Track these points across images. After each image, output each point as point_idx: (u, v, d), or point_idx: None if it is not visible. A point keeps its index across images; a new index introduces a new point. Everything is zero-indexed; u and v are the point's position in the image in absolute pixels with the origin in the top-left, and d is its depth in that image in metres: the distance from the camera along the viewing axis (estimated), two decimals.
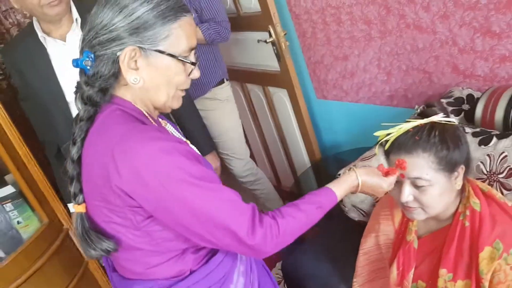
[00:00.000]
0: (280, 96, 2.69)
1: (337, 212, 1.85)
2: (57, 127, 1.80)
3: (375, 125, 2.38)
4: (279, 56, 2.42)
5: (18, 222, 1.89)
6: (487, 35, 1.68)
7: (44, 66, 1.73)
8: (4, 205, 1.88)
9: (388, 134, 1.22)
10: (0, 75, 2.36)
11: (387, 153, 1.24)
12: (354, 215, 1.78)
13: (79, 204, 1.03)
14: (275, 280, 1.36)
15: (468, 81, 1.83)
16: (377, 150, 1.29)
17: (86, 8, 1.73)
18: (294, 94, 2.51)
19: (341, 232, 1.85)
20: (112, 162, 0.92)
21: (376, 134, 1.26)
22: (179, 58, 1.01)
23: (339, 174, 1.77)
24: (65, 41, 1.72)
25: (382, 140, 1.24)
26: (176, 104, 1.09)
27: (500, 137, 1.43)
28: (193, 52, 1.05)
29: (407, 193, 1.18)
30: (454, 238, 1.18)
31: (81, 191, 1.03)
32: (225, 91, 2.47)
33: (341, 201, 1.80)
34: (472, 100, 1.69)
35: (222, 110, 2.47)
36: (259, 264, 1.30)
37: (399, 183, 1.19)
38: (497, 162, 1.40)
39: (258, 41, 2.46)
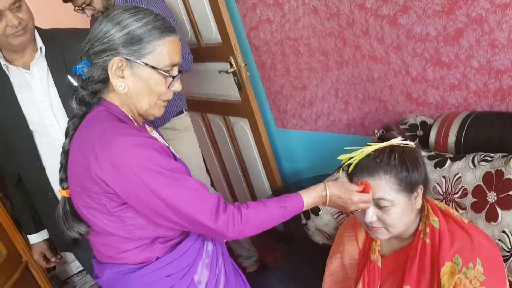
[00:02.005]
0: (241, 125, 2.73)
1: (302, 235, 1.88)
2: (18, 155, 1.76)
3: (334, 152, 2.45)
4: (240, 86, 2.48)
5: None
6: (437, 65, 1.79)
7: (6, 95, 1.70)
8: None
9: (351, 158, 1.28)
10: None
11: (350, 176, 1.29)
12: (318, 239, 1.82)
13: (64, 189, 1.21)
14: (244, 277, 1.47)
15: (421, 109, 1.93)
16: (340, 173, 1.34)
17: (50, 37, 1.74)
18: (255, 123, 2.56)
19: (306, 255, 1.88)
20: (93, 153, 1.07)
21: (339, 158, 1.31)
22: (159, 71, 1.15)
23: None
24: (28, 69, 1.70)
25: (345, 164, 1.30)
26: (158, 112, 1.23)
27: (453, 159, 1.51)
28: (175, 67, 1.19)
29: (371, 214, 1.23)
30: (416, 255, 1.23)
31: (67, 178, 1.20)
32: (184, 121, 2.49)
33: (305, 224, 1.83)
34: (425, 126, 1.79)
35: (182, 140, 2.48)
36: (228, 262, 1.40)
37: None
38: (452, 183, 1.47)
39: (219, 71, 2.51)
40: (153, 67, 1.14)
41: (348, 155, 1.28)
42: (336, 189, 1.23)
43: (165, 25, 1.16)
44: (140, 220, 1.16)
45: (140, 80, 1.15)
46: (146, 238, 1.18)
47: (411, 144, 1.27)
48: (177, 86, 1.21)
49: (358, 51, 2.04)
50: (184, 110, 2.48)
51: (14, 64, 1.71)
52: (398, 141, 1.25)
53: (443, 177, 1.50)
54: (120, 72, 1.13)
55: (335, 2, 2.01)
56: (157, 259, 1.20)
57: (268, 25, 2.39)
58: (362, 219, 1.26)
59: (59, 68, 1.73)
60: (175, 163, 1.13)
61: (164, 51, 1.15)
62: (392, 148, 1.24)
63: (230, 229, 1.11)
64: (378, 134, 1.32)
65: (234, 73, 2.45)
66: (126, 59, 1.12)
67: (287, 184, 2.79)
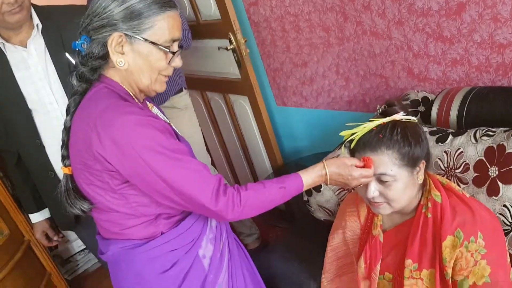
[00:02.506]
0: (241, 103, 2.72)
1: (303, 213, 1.88)
2: (18, 134, 1.76)
3: (335, 130, 2.45)
4: (239, 63, 2.46)
5: None
6: (439, 40, 1.77)
7: (3, 74, 1.69)
8: None
9: (353, 134, 1.27)
10: None
11: (353, 152, 1.29)
12: (320, 215, 1.82)
13: (66, 167, 1.21)
14: (247, 253, 1.49)
15: (422, 84, 1.92)
16: (343, 149, 1.34)
17: (46, 14, 1.72)
18: (255, 101, 2.55)
19: (307, 232, 1.89)
20: (95, 131, 1.06)
21: (341, 134, 1.30)
22: (159, 46, 1.13)
23: None
24: (26, 47, 1.69)
25: (347, 140, 1.29)
26: (159, 88, 1.22)
27: (455, 134, 1.51)
28: (176, 43, 1.17)
29: (373, 189, 1.23)
30: (417, 230, 1.23)
31: (68, 156, 1.20)
32: (184, 99, 2.46)
33: (307, 201, 1.84)
34: (427, 102, 1.78)
35: (181, 118, 2.47)
36: (231, 237, 1.42)
37: None
38: (454, 158, 1.47)
39: (219, 48, 2.48)
40: (153, 43, 1.13)
41: (350, 131, 1.28)
42: (335, 166, 1.22)
43: (165, 0, 1.14)
44: (143, 198, 1.16)
45: (140, 56, 1.14)
46: (149, 214, 1.19)
47: (414, 119, 1.26)
48: (177, 62, 1.20)
49: (359, 26, 2.02)
50: (183, 89, 2.45)
51: (10, 42, 1.69)
52: (400, 116, 1.24)
53: (445, 152, 1.50)
54: (120, 48, 1.12)
55: None
56: (161, 234, 1.21)
57: (268, 1, 2.36)
58: (364, 195, 1.26)
59: (56, 46, 1.71)
60: (178, 143, 1.13)
61: (164, 26, 1.13)
62: (395, 123, 1.23)
63: (229, 211, 1.12)
64: (380, 110, 1.32)
65: (233, 50, 2.43)
66: (125, 34, 1.11)
67: (287, 162, 2.79)
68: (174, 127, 1.34)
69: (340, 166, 1.22)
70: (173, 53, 1.17)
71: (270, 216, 2.89)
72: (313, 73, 2.40)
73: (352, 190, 1.58)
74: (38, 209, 1.93)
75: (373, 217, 1.37)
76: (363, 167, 1.22)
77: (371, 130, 1.24)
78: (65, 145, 1.21)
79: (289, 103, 2.67)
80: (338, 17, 2.09)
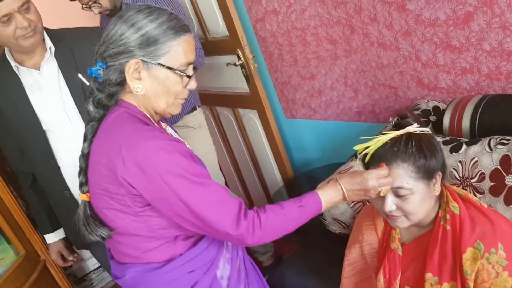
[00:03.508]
0: (250, 117, 2.73)
1: (318, 227, 1.88)
2: (33, 156, 1.77)
3: (345, 141, 2.46)
4: (248, 78, 2.47)
5: None
6: (448, 50, 1.78)
7: (18, 96, 1.71)
8: None
9: (367, 147, 1.27)
10: None
11: (367, 166, 1.29)
12: (334, 228, 1.82)
13: (84, 193, 1.21)
14: (260, 273, 1.47)
15: (432, 94, 1.92)
16: (357, 163, 1.34)
17: (59, 37, 1.75)
18: (264, 115, 2.56)
19: (322, 245, 1.88)
20: (119, 156, 1.07)
21: (355, 148, 1.30)
22: (176, 71, 1.15)
23: None
24: (39, 70, 1.71)
25: (361, 154, 1.29)
26: (175, 110, 1.24)
27: (469, 144, 1.51)
28: (191, 66, 1.19)
29: (390, 203, 1.22)
30: (437, 242, 1.22)
31: (87, 182, 1.20)
32: (197, 118, 2.42)
33: (321, 214, 1.83)
34: (438, 111, 1.78)
35: (195, 138, 2.42)
36: (247, 256, 1.41)
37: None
38: (469, 168, 1.47)
39: (227, 64, 2.50)
40: (169, 68, 1.14)
41: (364, 145, 1.28)
42: (348, 177, 1.22)
43: (180, 25, 1.15)
44: (164, 220, 1.16)
45: (157, 81, 1.15)
46: (168, 236, 1.19)
47: (428, 130, 1.26)
48: (193, 84, 1.21)
49: (367, 38, 2.03)
50: (197, 107, 2.42)
51: (24, 65, 1.71)
52: (414, 128, 1.24)
53: (460, 162, 1.50)
54: (137, 74, 1.13)
55: None
56: (180, 255, 1.21)
57: (274, 16, 2.38)
58: (381, 208, 1.25)
59: (69, 67, 1.73)
60: (200, 168, 1.13)
61: (180, 50, 1.15)
62: (409, 135, 1.23)
63: (250, 235, 1.11)
64: (393, 122, 1.31)
65: (242, 66, 2.44)
66: (142, 61, 1.12)
67: (298, 175, 2.79)
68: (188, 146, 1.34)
69: (351, 176, 1.22)
70: (189, 76, 1.18)
71: None
72: (321, 85, 2.41)
73: (368, 203, 1.58)
74: (53, 229, 1.94)
75: (391, 230, 1.36)
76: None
77: (385, 143, 1.24)
78: (84, 171, 1.21)
79: (298, 115, 2.68)
80: (344, 30, 2.10)
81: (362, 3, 1.95)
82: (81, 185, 1.21)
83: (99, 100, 1.18)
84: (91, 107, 1.20)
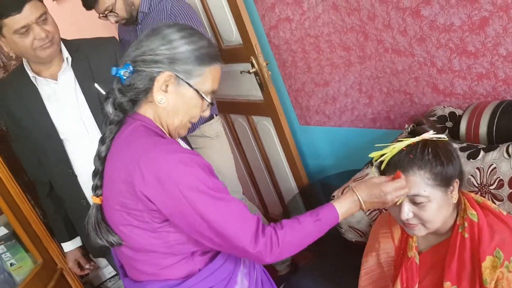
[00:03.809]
0: (265, 124, 2.73)
1: (334, 235, 1.87)
2: (49, 165, 1.80)
3: (360, 147, 2.44)
4: (262, 85, 2.47)
5: (11, 264, 1.87)
6: (464, 55, 1.76)
7: (36, 106, 1.74)
8: None
9: (383, 155, 1.26)
10: None
11: (383, 173, 1.28)
12: (351, 236, 1.81)
13: (97, 197, 1.21)
14: (275, 286, 1.45)
15: (448, 100, 1.91)
16: (373, 170, 1.33)
17: (75, 47, 1.77)
18: (279, 122, 2.56)
19: (338, 254, 1.87)
20: (138, 170, 1.06)
21: (370, 155, 1.30)
22: (202, 94, 1.18)
23: (333, 196, 1.80)
24: (56, 80, 1.74)
25: (377, 161, 1.28)
26: (183, 132, 1.24)
27: (487, 150, 1.49)
28: (213, 95, 1.23)
29: (407, 211, 1.21)
30: (455, 250, 1.21)
31: (101, 186, 1.19)
32: (215, 127, 2.38)
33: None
34: (454, 117, 1.76)
35: (212, 148, 2.39)
36: (262, 270, 1.39)
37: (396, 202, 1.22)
38: (487, 174, 1.45)
39: (241, 72, 2.51)
40: (196, 90, 1.16)
41: (380, 152, 1.27)
42: (364, 187, 1.21)
43: (216, 53, 1.20)
44: (182, 236, 1.14)
45: (181, 98, 1.17)
46: (186, 252, 1.18)
47: (444, 137, 1.25)
48: (207, 113, 1.24)
49: (381, 44, 2.02)
50: (214, 116, 2.38)
51: (41, 75, 1.74)
52: (430, 135, 1.23)
53: (477, 168, 1.48)
54: (165, 86, 1.14)
55: None
56: (199, 271, 1.19)
57: (287, 24, 2.38)
58: (398, 216, 1.24)
59: (85, 77, 1.76)
60: (218, 182, 1.12)
61: (210, 77, 1.18)
62: (425, 142, 1.22)
63: (268, 252, 1.10)
64: (409, 129, 1.31)
65: (255, 73, 2.45)
66: (176, 75, 1.14)
67: (313, 182, 2.78)
68: (204, 157, 1.33)
69: (369, 187, 1.21)
70: (211, 104, 1.21)
71: None
72: (335, 92, 2.40)
73: (384, 211, 1.57)
74: (70, 238, 1.96)
75: (408, 239, 1.35)
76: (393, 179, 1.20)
77: (401, 151, 1.23)
78: (100, 175, 1.21)
79: (312, 122, 2.68)
80: (358, 37, 2.10)
81: (376, 9, 1.94)
82: (96, 188, 1.21)
83: (119, 103, 1.18)
84: (110, 109, 1.19)
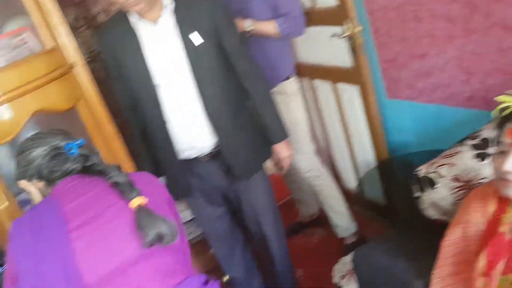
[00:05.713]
0: (350, 93, 2.68)
1: (409, 209, 1.82)
2: (143, 107, 1.88)
3: (448, 127, 2.33)
4: (353, 52, 2.41)
5: None
6: None
7: (134, 49, 1.81)
8: None
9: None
10: (89, 58, 2.51)
11: (504, 120, 1.21)
12: (432, 213, 1.75)
13: None
14: None
15: None
16: (493, 112, 1.25)
17: None
18: (366, 91, 2.50)
19: (412, 230, 1.82)
20: None
21: (496, 98, 1.25)
22: None
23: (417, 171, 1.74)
24: (157, 23, 1.79)
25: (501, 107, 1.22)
26: None
27: None
28: None
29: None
30: None
31: None
32: (293, 85, 2.52)
33: (418, 197, 1.77)
34: None
35: (288, 105, 2.51)
36: None
37: (504, 153, 1.16)
38: None
39: (332, 35, 2.46)
40: None
41: (507, 97, 1.20)
42: None
43: None
44: None
45: None
46: None
47: None
48: None
49: (490, 18, 1.89)
50: (293, 75, 2.49)
51: (144, 17, 1.79)
52: None
53: None
54: None
55: None
56: None
57: None
58: (499, 167, 1.16)
59: (186, 25, 1.79)
60: None
61: None
62: None
63: None
64: None
65: (347, 38, 2.39)
66: None
67: (393, 157, 2.71)
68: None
69: None
70: None
71: (368, 211, 2.83)
72: (431, 66, 2.29)
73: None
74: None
75: (501, 215, 1.27)
76: None
77: None
78: None
79: (401, 95, 2.58)
80: (465, 8, 1.97)
81: None
82: None
83: None
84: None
